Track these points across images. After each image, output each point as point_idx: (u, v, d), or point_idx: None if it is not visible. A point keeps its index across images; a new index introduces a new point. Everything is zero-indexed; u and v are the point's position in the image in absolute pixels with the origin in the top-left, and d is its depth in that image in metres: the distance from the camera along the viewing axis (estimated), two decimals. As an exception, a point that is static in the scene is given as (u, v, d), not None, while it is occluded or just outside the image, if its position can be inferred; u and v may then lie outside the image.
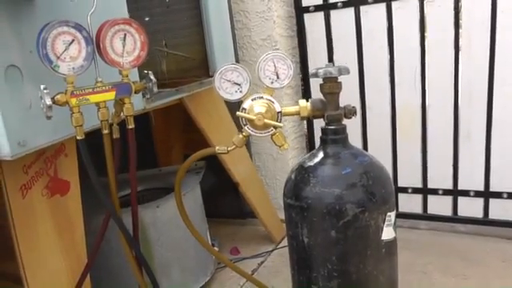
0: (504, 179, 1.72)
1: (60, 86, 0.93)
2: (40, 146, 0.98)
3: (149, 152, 2.13)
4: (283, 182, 2.09)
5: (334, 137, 1.01)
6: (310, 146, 2.09)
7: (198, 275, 1.61)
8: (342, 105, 1.03)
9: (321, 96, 1.02)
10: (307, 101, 1.02)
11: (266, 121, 0.95)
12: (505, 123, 1.67)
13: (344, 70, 0.98)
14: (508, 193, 1.72)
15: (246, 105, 0.99)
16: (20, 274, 1.04)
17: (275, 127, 0.98)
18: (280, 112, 0.99)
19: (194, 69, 1.64)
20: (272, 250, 1.88)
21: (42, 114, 0.91)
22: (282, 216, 2.01)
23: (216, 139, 1.64)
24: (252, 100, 0.98)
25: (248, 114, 0.97)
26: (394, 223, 0.99)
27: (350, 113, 1.01)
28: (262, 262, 1.80)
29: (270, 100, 0.98)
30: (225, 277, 1.70)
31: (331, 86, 0.99)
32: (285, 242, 1.91)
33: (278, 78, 0.98)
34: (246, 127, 1.00)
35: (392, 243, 0.99)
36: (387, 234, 0.97)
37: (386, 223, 0.96)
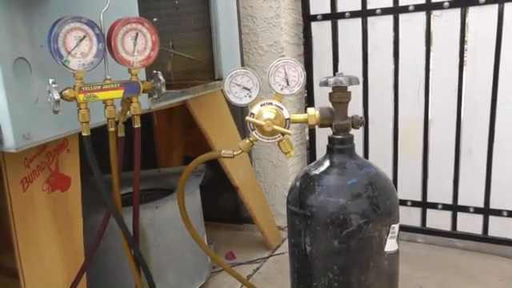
0: (504, 197, 1.72)
1: (68, 81, 0.93)
2: (44, 140, 0.98)
3: (149, 152, 2.12)
4: (282, 188, 2.11)
5: (341, 146, 1.01)
6: (311, 154, 2.09)
7: (193, 278, 1.60)
8: (349, 115, 1.03)
9: (323, 104, 1.02)
10: (315, 109, 1.01)
11: (276, 127, 0.95)
12: (507, 141, 1.68)
13: (354, 80, 0.98)
14: (508, 211, 1.72)
15: (254, 110, 0.98)
16: (16, 267, 1.03)
17: (283, 134, 0.97)
18: (288, 119, 0.98)
19: (199, 71, 1.64)
20: (268, 257, 1.87)
21: (48, 108, 0.91)
22: (279, 223, 2.04)
23: (218, 143, 1.64)
24: (261, 105, 0.98)
25: (257, 119, 0.97)
26: (398, 235, 0.99)
27: (357, 123, 1.01)
28: (258, 268, 1.79)
29: (278, 106, 0.98)
30: (220, 281, 1.69)
31: (341, 95, 0.98)
32: (281, 249, 1.91)
33: (287, 84, 0.98)
34: (253, 132, 0.99)
35: (394, 255, 0.99)
36: (390, 246, 0.96)
37: (389, 235, 0.96)
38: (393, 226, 0.96)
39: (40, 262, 1.07)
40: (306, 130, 2.14)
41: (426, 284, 1.60)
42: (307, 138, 2.14)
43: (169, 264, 1.51)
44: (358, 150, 1.90)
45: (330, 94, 1.00)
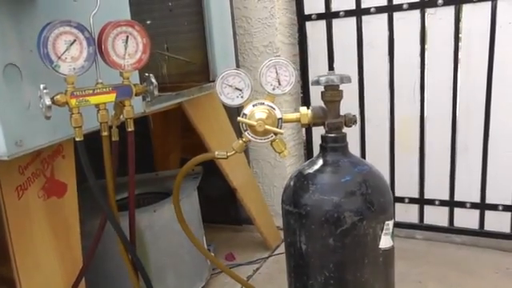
0: (500, 192, 1.72)
1: (60, 86, 0.93)
2: (38, 147, 0.97)
3: (146, 156, 2.12)
4: (280, 189, 2.10)
5: (334, 145, 1.01)
6: (308, 153, 2.09)
7: (192, 280, 1.60)
8: (342, 113, 1.03)
9: (320, 104, 1.02)
10: (308, 108, 1.02)
11: (267, 127, 0.95)
12: (502, 136, 1.68)
13: (346, 79, 0.98)
14: (504, 205, 1.72)
15: (246, 110, 0.98)
16: (14, 277, 1.03)
17: (276, 133, 0.98)
18: (281, 118, 0.99)
19: (194, 73, 1.64)
20: (267, 257, 1.87)
21: (41, 114, 0.90)
22: (278, 223, 2.04)
23: (214, 144, 1.64)
24: (253, 106, 0.98)
25: (249, 119, 0.97)
26: (392, 232, 0.99)
27: (350, 121, 1.01)
28: (258, 269, 1.79)
29: (270, 106, 0.98)
30: (219, 283, 1.69)
31: (332, 93, 0.99)
32: (280, 249, 1.91)
33: (279, 84, 0.98)
34: (246, 133, 0.99)
35: (389, 252, 0.99)
36: (385, 242, 0.96)
37: (384, 232, 0.96)
38: (387, 222, 0.96)
39: (38, 271, 1.06)
40: (304, 129, 2.14)
41: (425, 279, 1.60)
42: (304, 137, 2.14)
43: (168, 267, 1.50)
44: (355, 148, 1.91)
45: (321, 92, 1.00)
